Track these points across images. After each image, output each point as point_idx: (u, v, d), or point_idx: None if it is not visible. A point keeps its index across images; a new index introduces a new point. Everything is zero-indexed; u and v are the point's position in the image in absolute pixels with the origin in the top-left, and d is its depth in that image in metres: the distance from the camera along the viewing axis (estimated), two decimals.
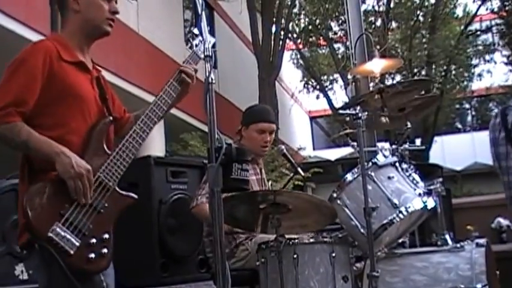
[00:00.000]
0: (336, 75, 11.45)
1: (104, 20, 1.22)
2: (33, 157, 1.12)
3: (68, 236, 1.04)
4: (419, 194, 1.59)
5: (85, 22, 1.21)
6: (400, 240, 1.76)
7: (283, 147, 2.05)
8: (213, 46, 1.21)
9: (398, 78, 10.17)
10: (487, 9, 10.80)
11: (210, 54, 1.16)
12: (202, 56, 1.28)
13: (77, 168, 1.06)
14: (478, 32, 11.41)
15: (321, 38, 11.15)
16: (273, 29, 8.14)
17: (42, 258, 1.05)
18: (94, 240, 1.08)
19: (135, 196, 1.17)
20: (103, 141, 1.15)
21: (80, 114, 1.15)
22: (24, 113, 1.09)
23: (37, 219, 1.03)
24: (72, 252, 1.04)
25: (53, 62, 1.12)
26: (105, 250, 1.09)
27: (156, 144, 5.98)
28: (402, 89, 1.69)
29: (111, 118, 1.19)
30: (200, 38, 1.28)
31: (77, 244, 1.05)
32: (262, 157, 2.01)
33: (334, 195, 1.61)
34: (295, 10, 10.28)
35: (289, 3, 9.08)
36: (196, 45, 1.30)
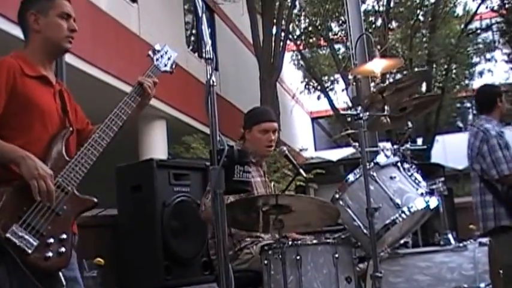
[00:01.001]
0: (337, 76, 11.44)
1: (63, 38, 1.28)
2: None
3: (26, 236, 1.10)
4: (422, 194, 1.59)
5: (45, 41, 1.28)
6: (402, 241, 1.76)
7: (284, 148, 2.06)
8: (212, 38, 1.26)
9: (398, 77, 10.16)
10: (487, 7, 10.78)
11: (211, 56, 1.18)
12: (162, 69, 1.42)
13: (41, 171, 1.12)
14: (478, 31, 11.38)
15: (322, 38, 11.15)
16: (274, 30, 8.16)
17: (3, 259, 1.09)
18: (52, 240, 1.13)
19: (95, 199, 1.24)
20: (62, 149, 1.22)
21: (42, 125, 1.22)
22: None
23: None
24: (30, 251, 1.09)
25: (16, 77, 1.20)
26: (63, 249, 1.14)
27: (158, 147, 6.00)
28: (403, 85, 1.69)
29: (71, 129, 1.27)
30: (162, 52, 1.43)
31: (35, 244, 1.10)
32: (266, 157, 2.02)
33: (337, 196, 1.61)
34: (296, 11, 10.28)
35: (290, 4, 9.09)
36: (157, 60, 1.41)
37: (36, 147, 1.18)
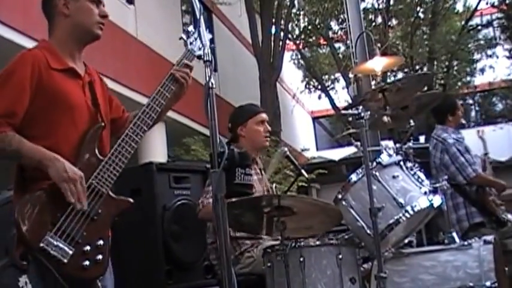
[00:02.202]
0: (338, 75, 11.41)
1: (95, 23, 1.21)
2: (25, 166, 1.12)
3: (61, 245, 1.04)
4: (425, 193, 1.58)
5: (75, 26, 1.20)
6: (407, 240, 1.75)
7: (286, 149, 2.05)
8: (211, 42, 1.20)
9: (400, 75, 10.12)
10: (487, 3, 10.73)
11: (210, 59, 1.15)
12: (197, 53, 1.28)
13: (70, 173, 1.06)
14: (479, 27, 11.34)
15: (321, 37, 11.13)
16: (273, 30, 8.14)
17: (37, 268, 1.04)
18: (88, 248, 1.07)
19: (131, 200, 1.17)
20: (95, 148, 1.14)
21: (71, 122, 1.14)
22: (14, 124, 1.10)
23: (29, 230, 1.03)
24: (65, 260, 1.04)
25: (42, 71, 1.12)
26: (100, 256, 1.09)
27: (158, 150, 5.98)
28: (404, 86, 1.68)
29: (102, 124, 1.18)
30: (195, 35, 1.27)
31: (70, 252, 1.05)
32: (263, 149, 2.02)
33: (339, 196, 1.60)
34: (295, 10, 10.26)
35: (288, 3, 9.07)
36: (190, 43, 1.28)
37: (65, 146, 1.11)
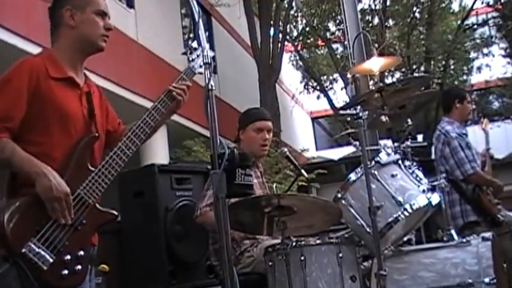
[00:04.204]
0: (336, 75, 11.44)
1: (99, 36, 1.24)
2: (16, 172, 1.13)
3: (42, 252, 1.05)
4: (424, 191, 1.60)
5: (80, 38, 1.22)
6: (406, 238, 1.76)
7: (285, 149, 2.06)
8: (211, 48, 1.21)
9: (397, 75, 10.16)
10: (482, 2, 10.78)
11: (209, 61, 1.17)
12: (197, 71, 1.30)
13: (55, 192, 1.07)
14: (475, 26, 11.38)
15: (319, 38, 11.17)
16: (271, 32, 8.17)
17: (17, 273, 1.05)
18: (69, 257, 1.08)
19: (115, 213, 1.19)
20: (86, 158, 1.16)
21: (65, 130, 1.16)
22: (11, 129, 1.11)
23: (12, 235, 1.03)
24: (45, 268, 1.04)
25: (40, 79, 1.14)
26: (79, 267, 1.10)
27: (160, 152, 6.00)
28: (401, 87, 1.70)
29: (96, 134, 1.20)
30: (198, 51, 1.28)
31: (51, 260, 1.05)
32: (262, 157, 2.02)
33: (339, 195, 1.62)
34: (292, 12, 10.31)
35: (286, 6, 9.11)
36: (192, 60, 1.31)
37: (57, 153, 1.13)
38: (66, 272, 1.08)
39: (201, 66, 1.28)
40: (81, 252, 1.11)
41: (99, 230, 1.18)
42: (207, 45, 1.20)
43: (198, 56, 1.30)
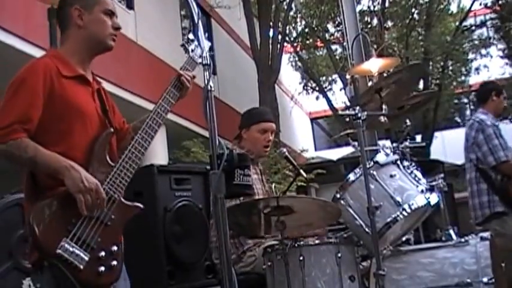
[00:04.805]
0: (335, 76, 11.48)
1: (108, 35, 1.23)
2: (38, 173, 1.12)
3: (77, 251, 1.04)
4: (422, 191, 1.61)
5: (89, 38, 1.22)
6: (404, 238, 1.77)
7: (284, 150, 2.07)
8: (210, 49, 1.22)
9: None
10: (480, 4, 10.84)
11: (208, 62, 1.18)
12: (198, 60, 1.30)
13: (86, 183, 1.06)
14: (473, 27, 11.44)
15: (318, 40, 11.20)
16: (271, 33, 8.19)
17: (53, 275, 1.04)
18: (103, 253, 1.08)
19: (141, 205, 1.18)
20: (105, 153, 1.16)
21: (82, 128, 1.16)
22: (29, 130, 1.11)
23: (44, 237, 1.03)
24: (82, 267, 1.04)
25: (53, 79, 1.14)
26: (114, 262, 1.10)
27: (159, 153, 5.99)
28: (399, 78, 1.70)
29: (112, 130, 1.20)
30: (196, 42, 1.29)
31: (86, 259, 1.05)
32: (264, 157, 2.03)
33: (338, 195, 1.62)
34: (292, 14, 10.33)
35: (286, 7, 9.14)
36: (192, 51, 1.30)
37: (77, 152, 1.12)
38: (102, 268, 1.07)
39: (200, 57, 1.28)
40: (115, 248, 1.11)
41: (127, 224, 1.16)
42: (206, 46, 1.21)
43: (196, 46, 1.30)
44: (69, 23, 1.23)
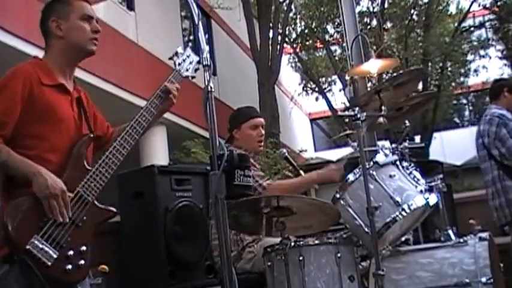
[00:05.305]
0: (334, 77, 11.49)
1: (87, 40, 1.27)
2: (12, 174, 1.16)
3: (46, 248, 1.08)
4: (421, 191, 1.61)
5: (69, 46, 1.26)
6: (404, 238, 1.78)
7: (284, 150, 2.08)
8: (211, 58, 1.25)
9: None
10: (479, 5, 10.87)
11: (208, 63, 1.19)
12: (184, 74, 1.36)
13: (51, 189, 1.10)
14: (472, 28, 11.47)
15: (318, 40, 11.22)
16: (270, 34, 8.21)
17: (21, 270, 1.07)
18: (71, 252, 1.12)
19: (114, 209, 1.22)
20: (83, 158, 1.20)
21: (59, 134, 1.20)
22: (5, 136, 1.15)
23: (16, 232, 1.07)
24: (49, 264, 1.08)
25: (33, 85, 1.18)
26: (82, 262, 1.14)
27: (159, 153, 6.01)
28: (400, 82, 1.71)
29: (91, 135, 1.25)
30: (184, 56, 1.36)
31: (55, 256, 1.09)
32: (259, 153, 2.05)
33: (337, 195, 1.63)
34: (291, 15, 10.35)
35: (285, 8, 9.15)
36: (179, 64, 1.36)
37: (51, 156, 1.17)
38: (70, 266, 1.11)
39: (187, 70, 1.36)
40: (84, 248, 1.15)
41: (99, 227, 1.21)
42: (206, 47, 1.22)
43: (184, 60, 1.36)
44: (49, 35, 1.27)
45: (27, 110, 1.17)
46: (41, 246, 1.08)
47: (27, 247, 1.06)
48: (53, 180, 1.11)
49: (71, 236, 1.12)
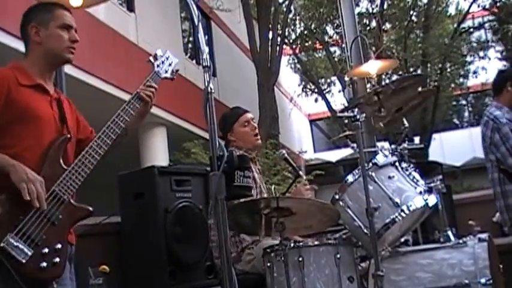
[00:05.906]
0: (334, 78, 11.51)
1: (64, 49, 1.29)
2: None
3: (21, 246, 1.09)
4: (420, 192, 1.61)
5: (46, 53, 1.29)
6: (403, 239, 1.78)
7: (284, 151, 2.09)
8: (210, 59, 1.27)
9: (394, 78, 10.23)
10: (478, 6, 10.90)
11: (208, 64, 1.20)
12: (163, 75, 1.40)
13: (30, 175, 1.12)
14: (471, 29, 11.49)
15: (317, 42, 11.24)
16: (270, 35, 8.23)
17: None
18: (47, 250, 1.12)
19: (90, 208, 1.23)
20: (59, 157, 1.21)
21: (37, 133, 1.21)
22: None
23: None
24: (24, 261, 1.08)
25: (11, 86, 1.21)
26: (57, 259, 1.14)
27: (159, 154, 6.01)
28: (397, 88, 1.72)
29: (68, 136, 1.26)
30: (162, 58, 1.40)
31: (29, 253, 1.09)
32: (258, 148, 2.06)
33: (337, 197, 1.63)
34: (291, 16, 10.37)
35: (285, 9, 9.17)
36: (157, 66, 1.39)
37: (31, 154, 1.18)
38: (44, 264, 1.12)
39: (166, 72, 1.40)
40: (59, 246, 1.15)
41: (75, 225, 1.22)
42: (206, 49, 1.23)
43: (163, 62, 1.40)
44: (29, 40, 1.30)
45: (6, 109, 1.19)
46: (15, 243, 1.08)
47: (2, 245, 1.07)
48: (31, 171, 1.13)
49: (46, 234, 1.13)
